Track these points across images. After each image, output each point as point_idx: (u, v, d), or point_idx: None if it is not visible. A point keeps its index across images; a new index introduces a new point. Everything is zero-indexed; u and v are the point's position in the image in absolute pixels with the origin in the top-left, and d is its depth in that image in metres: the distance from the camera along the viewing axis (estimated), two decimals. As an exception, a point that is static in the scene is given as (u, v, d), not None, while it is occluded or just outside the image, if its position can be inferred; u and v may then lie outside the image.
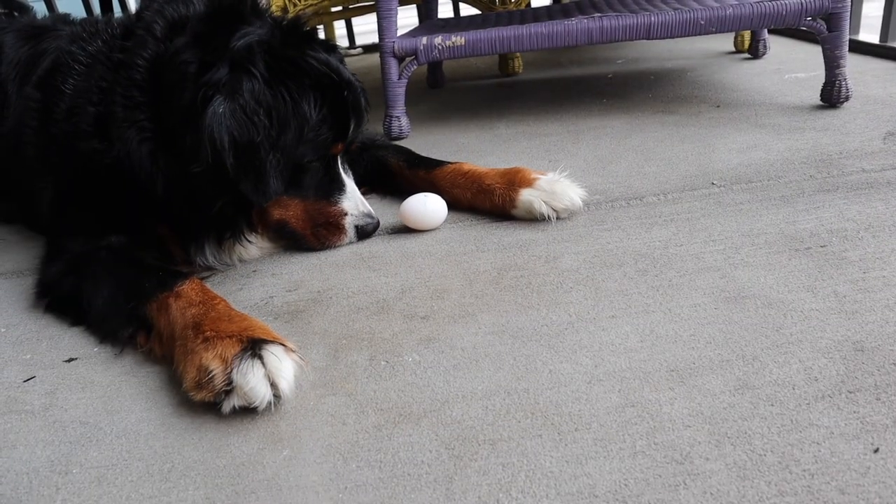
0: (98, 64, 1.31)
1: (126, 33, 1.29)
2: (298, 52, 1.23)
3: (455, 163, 1.57)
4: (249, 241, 1.36)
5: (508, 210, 1.44)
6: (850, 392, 0.82)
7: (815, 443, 0.75)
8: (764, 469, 0.72)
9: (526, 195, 1.41)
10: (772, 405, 0.81)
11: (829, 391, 0.83)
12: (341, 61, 1.34)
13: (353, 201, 1.40)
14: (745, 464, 0.73)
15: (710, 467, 0.73)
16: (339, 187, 1.39)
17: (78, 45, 1.42)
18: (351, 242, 1.42)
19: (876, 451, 0.73)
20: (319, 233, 1.39)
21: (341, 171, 1.40)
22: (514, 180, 1.44)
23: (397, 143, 2.00)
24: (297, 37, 1.27)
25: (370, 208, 1.43)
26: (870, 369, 0.86)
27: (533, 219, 1.42)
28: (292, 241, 1.41)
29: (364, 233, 1.42)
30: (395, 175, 1.66)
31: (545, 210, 1.39)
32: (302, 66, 1.22)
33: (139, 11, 1.31)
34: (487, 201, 1.47)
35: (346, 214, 1.39)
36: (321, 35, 1.45)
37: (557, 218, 1.41)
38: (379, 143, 1.75)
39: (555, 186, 1.40)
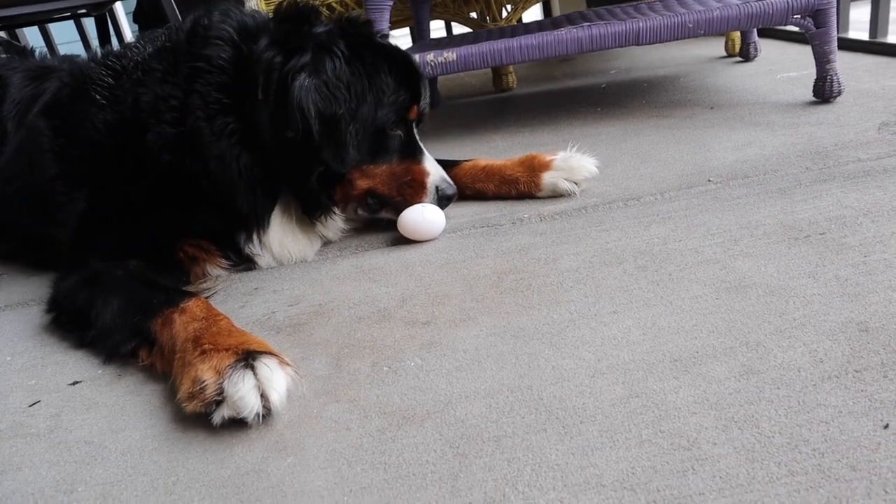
0: (157, 82, 1.33)
1: (193, 42, 1.34)
2: (369, 33, 1.41)
3: (469, 160, 1.68)
4: (336, 214, 1.46)
5: (534, 193, 1.59)
6: (857, 371, 0.81)
7: (823, 422, 0.74)
8: (773, 450, 0.71)
9: (548, 177, 1.56)
10: (778, 388, 0.80)
11: (835, 372, 0.82)
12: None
13: (434, 165, 1.50)
14: (753, 446, 0.72)
15: (718, 452, 0.72)
16: (420, 150, 1.49)
17: (96, 64, 1.49)
18: (430, 203, 1.47)
19: (886, 426, 0.72)
20: (404, 190, 1.47)
21: (417, 138, 1.50)
22: (534, 165, 1.59)
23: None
24: (360, 25, 1.42)
25: (448, 176, 1.51)
26: (875, 348, 0.85)
27: (557, 195, 1.58)
28: (377, 207, 1.50)
29: (444, 196, 1.48)
30: None
31: (568, 186, 1.55)
32: (375, 43, 1.40)
33: (194, 26, 1.38)
34: (513, 189, 1.61)
35: (428, 174, 1.47)
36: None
37: (580, 190, 1.57)
38: None
39: (571, 162, 1.56)
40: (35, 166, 1.50)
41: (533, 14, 4.56)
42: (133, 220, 1.36)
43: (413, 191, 1.47)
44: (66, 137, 1.46)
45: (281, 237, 1.45)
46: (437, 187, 1.48)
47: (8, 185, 1.60)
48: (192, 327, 1.02)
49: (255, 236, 1.42)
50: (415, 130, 1.50)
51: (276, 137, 1.29)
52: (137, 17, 3.65)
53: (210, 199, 1.35)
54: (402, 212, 1.45)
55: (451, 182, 1.51)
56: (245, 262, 1.46)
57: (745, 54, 2.83)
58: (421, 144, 1.50)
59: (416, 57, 2.07)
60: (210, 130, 1.29)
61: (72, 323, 1.25)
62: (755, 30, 2.81)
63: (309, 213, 1.44)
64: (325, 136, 1.29)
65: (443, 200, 1.49)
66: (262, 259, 1.46)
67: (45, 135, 1.49)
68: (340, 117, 1.29)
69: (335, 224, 1.48)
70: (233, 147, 1.31)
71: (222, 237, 1.42)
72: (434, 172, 1.49)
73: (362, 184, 1.44)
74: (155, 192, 1.36)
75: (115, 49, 1.60)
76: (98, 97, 1.41)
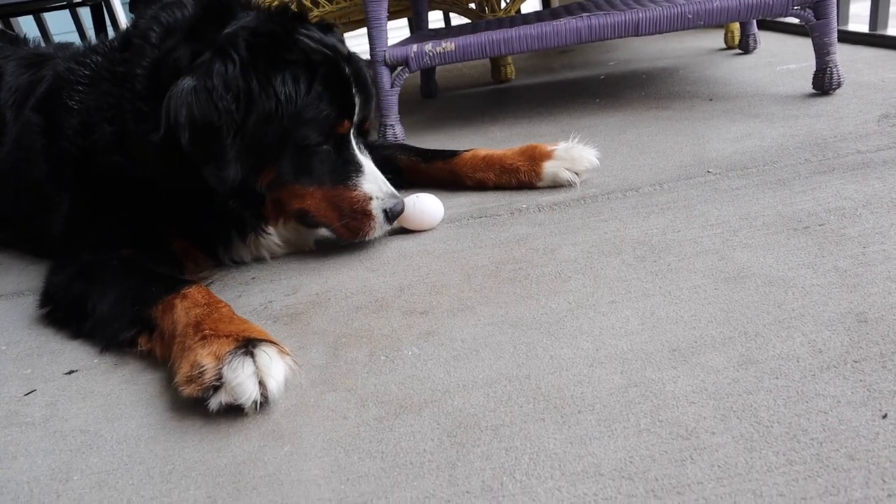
0: (102, 80, 1.32)
1: (124, 44, 1.31)
2: (285, 30, 1.22)
3: (469, 150, 1.66)
4: (268, 233, 1.35)
5: (535, 183, 1.58)
6: (856, 361, 0.81)
7: (822, 412, 0.74)
8: (771, 440, 0.71)
9: (549, 167, 1.55)
10: (777, 378, 0.80)
11: (834, 362, 0.82)
12: (340, 39, 1.34)
13: (375, 183, 1.32)
14: (751, 436, 0.72)
15: (717, 441, 0.72)
16: (356, 169, 1.31)
17: (75, 63, 1.44)
18: (383, 230, 1.34)
19: (884, 416, 0.72)
20: (350, 224, 1.32)
21: (357, 152, 1.32)
22: (535, 155, 1.57)
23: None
24: (284, 18, 1.26)
25: (393, 188, 1.35)
26: (874, 339, 0.85)
27: (557, 186, 1.56)
28: (314, 223, 1.37)
29: (393, 215, 1.33)
30: (406, 170, 1.70)
31: (569, 176, 1.54)
32: (287, 43, 1.20)
33: (135, 22, 1.33)
34: (514, 179, 1.59)
35: (371, 199, 1.30)
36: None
37: (580, 181, 1.56)
38: (381, 144, 1.78)
39: (572, 153, 1.55)
40: (31, 163, 1.49)
41: (532, 5, 4.54)
42: (113, 219, 1.33)
43: (358, 222, 1.31)
44: (50, 139, 1.45)
45: (247, 252, 1.40)
46: (384, 210, 1.32)
47: (8, 177, 1.59)
48: (193, 313, 1.02)
49: (230, 247, 1.38)
50: (353, 145, 1.32)
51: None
52: (134, 6, 3.62)
53: (169, 205, 1.30)
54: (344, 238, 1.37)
55: (396, 195, 1.35)
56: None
57: (745, 46, 2.82)
58: (361, 159, 1.33)
59: (414, 47, 2.06)
60: (137, 132, 1.23)
61: (68, 316, 1.23)
62: (755, 21, 2.80)
63: (239, 233, 1.34)
64: (200, 149, 1.15)
65: (392, 220, 1.35)
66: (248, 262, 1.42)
67: (36, 132, 1.48)
68: (219, 129, 1.13)
69: (268, 243, 1.37)
70: (154, 154, 1.21)
71: (202, 241, 1.37)
72: (378, 193, 1.31)
73: (294, 204, 1.31)
74: (118, 194, 1.32)
75: (96, 44, 1.57)
76: (70, 102, 1.38)
